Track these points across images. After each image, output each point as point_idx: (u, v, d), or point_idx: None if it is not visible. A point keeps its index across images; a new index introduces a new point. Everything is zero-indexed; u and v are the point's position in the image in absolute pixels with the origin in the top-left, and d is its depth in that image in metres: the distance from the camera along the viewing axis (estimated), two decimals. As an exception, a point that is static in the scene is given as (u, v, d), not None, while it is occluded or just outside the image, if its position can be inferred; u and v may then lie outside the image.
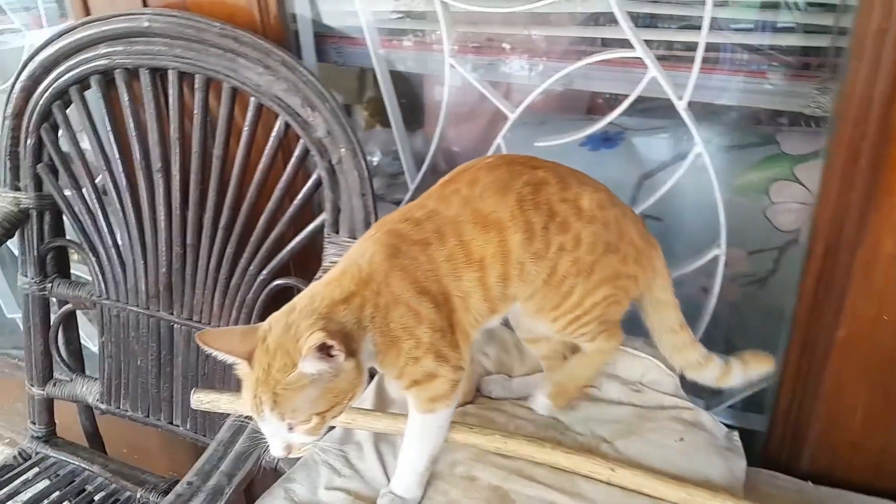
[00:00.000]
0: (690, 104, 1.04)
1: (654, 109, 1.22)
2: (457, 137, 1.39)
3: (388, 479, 0.87)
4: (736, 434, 1.01)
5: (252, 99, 1.10)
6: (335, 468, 0.88)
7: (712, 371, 0.97)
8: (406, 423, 0.86)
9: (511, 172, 0.85)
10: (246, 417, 0.75)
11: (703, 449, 0.93)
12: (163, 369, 1.26)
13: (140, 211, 1.21)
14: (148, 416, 1.28)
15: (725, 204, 1.09)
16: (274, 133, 1.09)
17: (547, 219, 0.84)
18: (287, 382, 0.70)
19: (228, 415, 0.94)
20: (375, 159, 1.56)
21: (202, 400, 0.91)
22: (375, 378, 1.06)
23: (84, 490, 1.28)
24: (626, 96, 1.10)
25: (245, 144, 1.12)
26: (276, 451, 0.75)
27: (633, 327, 1.04)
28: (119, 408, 1.30)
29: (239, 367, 0.75)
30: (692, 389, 1.08)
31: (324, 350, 0.70)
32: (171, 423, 1.26)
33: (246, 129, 1.11)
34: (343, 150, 1.04)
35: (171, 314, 1.22)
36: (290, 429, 0.73)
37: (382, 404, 1.00)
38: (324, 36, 1.33)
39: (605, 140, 1.29)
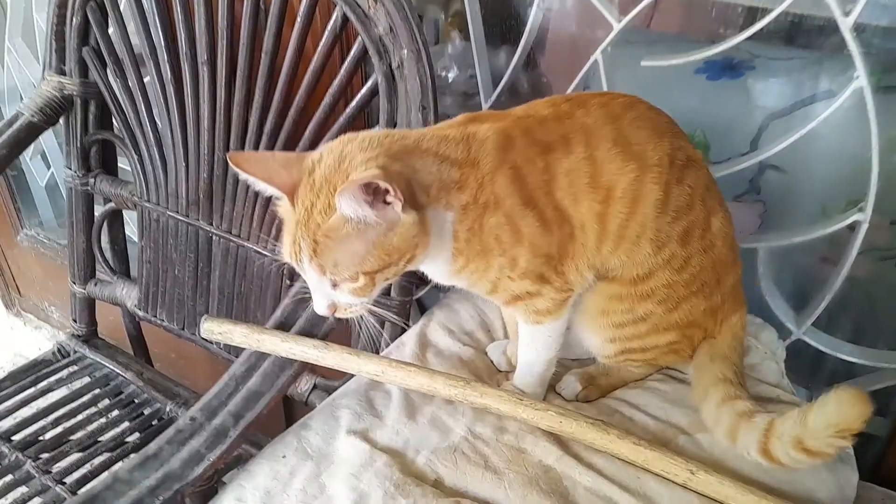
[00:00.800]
0: (857, 26, 0.80)
1: (797, 32, 0.97)
2: (546, 54, 1.18)
3: (415, 425, 0.76)
4: None
5: (308, -17, 0.93)
6: (357, 412, 0.76)
7: (758, 427, 0.70)
8: (449, 382, 0.73)
9: (671, 127, 0.73)
10: (284, 264, 0.66)
11: (808, 458, 0.75)
12: (199, 282, 1.17)
13: (184, 108, 1.09)
14: (183, 329, 1.21)
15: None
16: (329, 26, 0.93)
17: (684, 205, 0.71)
18: (328, 228, 0.58)
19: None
20: (451, 75, 1.38)
21: (213, 330, 0.80)
22: (418, 325, 0.92)
23: (121, 392, 1.23)
24: (766, 11, 0.87)
25: (297, 37, 0.96)
26: (318, 308, 0.65)
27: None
28: (156, 316, 1.24)
29: (280, 204, 0.64)
30: (795, 378, 0.89)
31: (377, 194, 0.57)
32: (183, 329, 1.19)
33: (299, 19, 0.95)
34: (405, 51, 0.87)
35: (210, 225, 1.12)
36: (334, 286, 0.63)
37: (423, 354, 0.86)
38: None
39: (730, 68, 1.05)
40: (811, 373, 1.04)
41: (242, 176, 0.62)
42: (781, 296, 1.03)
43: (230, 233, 1.10)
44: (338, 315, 0.67)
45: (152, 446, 0.69)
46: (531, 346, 0.76)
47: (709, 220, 0.74)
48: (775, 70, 1.04)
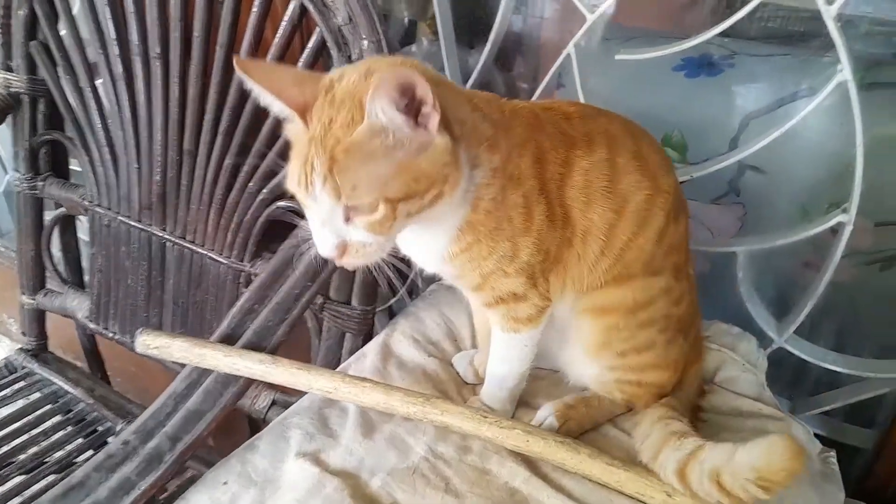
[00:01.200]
0: (840, 16, 0.76)
1: (776, 29, 0.94)
2: (519, 52, 1.14)
3: (371, 444, 0.70)
4: (833, 455, 0.78)
5: (263, -28, 0.88)
6: (308, 432, 0.70)
7: (685, 448, 0.63)
8: (407, 398, 0.67)
9: (674, 167, 0.73)
10: (290, 198, 0.58)
11: (793, 476, 0.70)
12: (153, 292, 1.10)
13: (135, 105, 1.03)
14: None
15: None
16: (287, 17, 0.88)
17: (676, 243, 0.70)
18: (351, 142, 0.51)
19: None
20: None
21: (149, 344, 0.73)
22: (381, 335, 0.86)
23: (71, 410, 1.16)
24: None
25: (254, 28, 0.90)
26: (324, 248, 0.56)
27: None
28: (107, 328, 1.17)
29: (289, 125, 0.57)
30: (777, 389, 0.85)
31: (409, 109, 0.51)
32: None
33: (255, 9, 0.90)
34: (365, 42, 0.81)
35: (164, 230, 1.06)
36: (348, 218, 0.54)
37: (385, 366, 0.80)
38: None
39: (708, 65, 1.01)
40: (793, 383, 1.00)
41: (248, 85, 0.56)
42: (762, 302, 0.98)
43: (184, 238, 1.04)
44: (346, 260, 0.57)
45: (78, 474, 0.62)
46: (505, 358, 0.71)
47: (688, 266, 0.74)
48: (755, 67, 1.00)
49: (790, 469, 0.54)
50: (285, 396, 0.99)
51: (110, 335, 1.16)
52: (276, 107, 0.56)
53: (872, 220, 0.93)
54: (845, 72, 0.76)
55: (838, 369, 0.92)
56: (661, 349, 0.71)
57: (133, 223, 1.08)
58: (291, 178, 0.56)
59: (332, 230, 0.55)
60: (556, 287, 0.67)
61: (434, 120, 0.51)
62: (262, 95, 0.56)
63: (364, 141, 0.51)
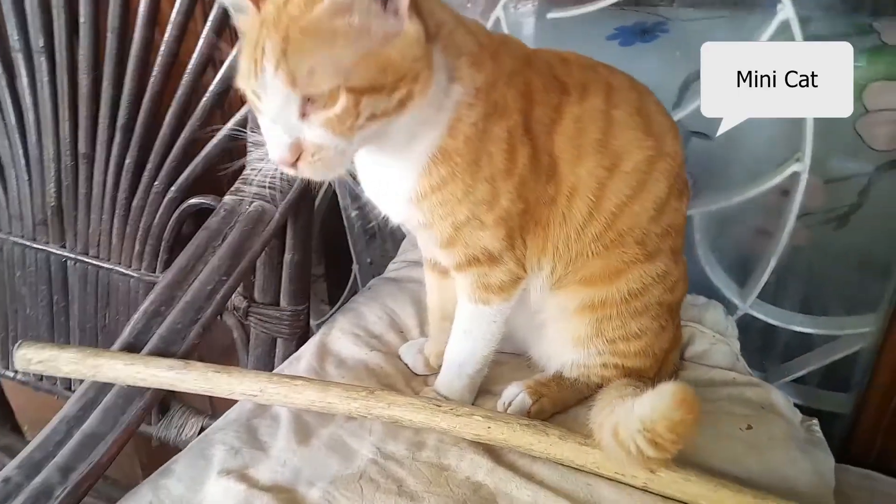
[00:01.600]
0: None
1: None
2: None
3: (307, 451, 0.60)
4: (816, 423, 0.74)
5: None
6: (233, 447, 0.60)
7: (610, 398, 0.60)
8: (346, 394, 0.58)
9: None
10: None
11: (779, 441, 0.66)
12: (56, 319, 0.97)
13: (20, 108, 0.92)
14: (41, 381, 1.00)
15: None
16: (184, -10, 0.79)
17: (676, 225, 0.65)
18: (310, 20, 0.44)
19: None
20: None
21: (31, 359, 0.61)
22: (318, 334, 0.77)
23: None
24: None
25: (147, 10, 0.81)
26: (276, 151, 0.47)
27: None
28: (7, 368, 1.02)
29: (240, 16, 0.49)
30: (748, 358, 0.80)
31: None
32: (70, 389, 0.98)
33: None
34: (273, 9, 0.73)
35: (63, 247, 0.94)
36: (304, 114, 0.46)
37: (322, 366, 0.71)
38: None
39: (642, 33, 0.98)
40: (764, 350, 0.95)
41: None
42: (722, 268, 0.94)
43: (87, 254, 0.92)
44: (301, 167, 0.48)
45: (-59, 525, 0.50)
46: (469, 334, 0.63)
47: (681, 256, 0.68)
48: (691, 31, 0.97)
49: (676, 419, 0.49)
50: (215, 421, 0.87)
51: (10, 375, 1.02)
52: None
53: (822, 178, 0.90)
54: (787, 10, 0.73)
55: (808, 330, 0.88)
56: (651, 337, 0.65)
57: (27, 243, 0.96)
58: (240, 72, 0.48)
59: (285, 127, 0.47)
60: (533, 254, 0.60)
61: (404, 3, 0.45)
62: None
63: (325, 18, 0.44)
